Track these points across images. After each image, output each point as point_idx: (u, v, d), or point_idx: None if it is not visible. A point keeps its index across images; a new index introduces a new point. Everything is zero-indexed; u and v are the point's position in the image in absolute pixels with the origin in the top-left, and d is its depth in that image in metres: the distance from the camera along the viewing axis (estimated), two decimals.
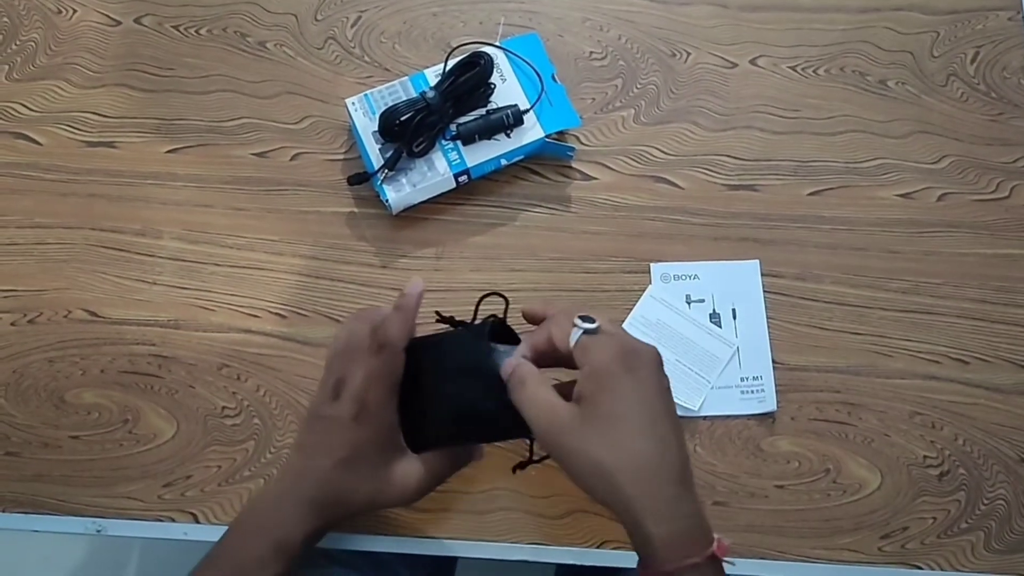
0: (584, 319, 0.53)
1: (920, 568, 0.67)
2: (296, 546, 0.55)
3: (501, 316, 0.60)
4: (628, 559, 0.67)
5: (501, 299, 0.60)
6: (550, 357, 0.55)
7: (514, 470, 0.60)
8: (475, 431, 0.58)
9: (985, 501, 0.68)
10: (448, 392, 0.56)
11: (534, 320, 0.60)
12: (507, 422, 0.55)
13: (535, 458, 0.59)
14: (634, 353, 0.52)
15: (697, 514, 0.50)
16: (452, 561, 0.90)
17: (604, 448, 0.49)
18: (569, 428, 0.50)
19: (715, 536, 0.49)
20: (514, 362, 0.54)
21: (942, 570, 0.67)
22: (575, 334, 0.52)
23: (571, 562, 0.67)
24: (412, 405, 0.58)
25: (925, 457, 0.69)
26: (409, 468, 0.56)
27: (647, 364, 0.52)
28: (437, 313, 0.62)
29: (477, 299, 0.60)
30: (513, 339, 0.59)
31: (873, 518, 0.68)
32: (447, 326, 0.62)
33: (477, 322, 0.60)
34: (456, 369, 0.56)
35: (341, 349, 0.57)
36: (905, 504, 0.68)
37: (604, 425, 0.49)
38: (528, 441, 0.59)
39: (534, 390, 0.52)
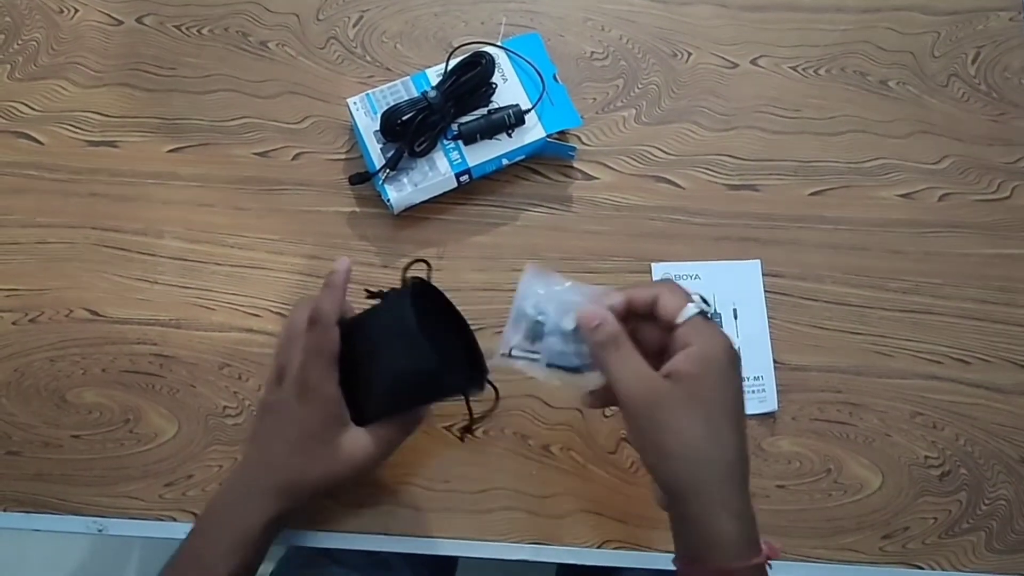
0: (702, 298, 0.51)
1: (921, 568, 0.67)
2: (257, 536, 0.56)
3: (424, 278, 0.62)
4: (629, 559, 0.67)
5: (425, 265, 0.66)
6: (629, 320, 0.53)
7: (462, 437, 0.60)
8: (409, 394, 0.59)
9: (986, 501, 0.68)
10: (378, 360, 0.58)
11: (619, 315, 0.53)
12: (437, 381, 0.57)
13: (475, 417, 0.60)
14: (735, 350, 0.51)
15: (754, 516, 0.50)
16: (453, 561, 0.90)
17: (700, 432, 0.48)
18: (667, 404, 0.49)
19: (762, 540, 0.50)
20: (601, 314, 0.52)
21: (943, 570, 0.67)
22: (691, 309, 0.50)
23: (572, 562, 0.67)
24: (352, 380, 0.58)
25: (926, 457, 0.69)
26: (355, 440, 0.57)
27: (740, 364, 0.51)
28: (366, 291, 0.64)
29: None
30: (441, 300, 0.63)
31: (874, 518, 0.68)
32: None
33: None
34: (384, 336, 0.58)
35: (283, 338, 0.58)
36: (906, 504, 0.68)
37: (704, 410, 0.48)
38: (465, 401, 0.60)
39: (629, 354, 0.51)
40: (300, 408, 0.56)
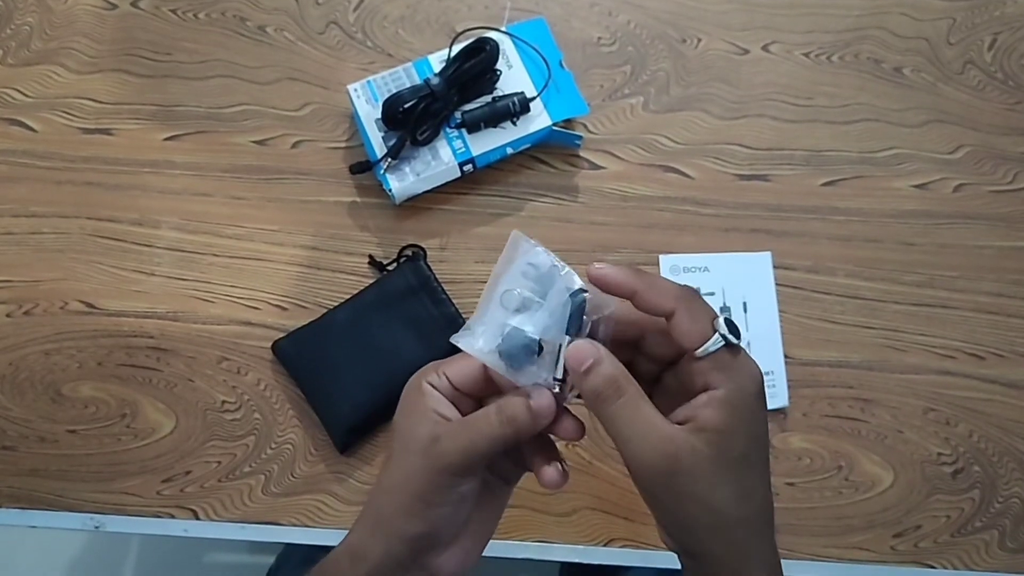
0: (729, 325, 0.42)
1: (933, 567, 0.66)
2: None
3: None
4: (635, 557, 0.66)
5: (420, 250, 0.71)
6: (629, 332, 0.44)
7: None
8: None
9: (1000, 499, 0.67)
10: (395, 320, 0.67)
11: (613, 290, 0.43)
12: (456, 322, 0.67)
13: None
14: (762, 381, 0.43)
15: (779, 559, 0.44)
16: None
17: (732, 496, 0.41)
18: (690, 467, 0.40)
19: None
20: (593, 352, 0.41)
21: (955, 569, 0.66)
22: (715, 342, 0.41)
23: (577, 560, 0.66)
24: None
25: (939, 454, 0.68)
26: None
27: (765, 393, 0.43)
28: (370, 256, 0.70)
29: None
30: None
31: (885, 516, 0.67)
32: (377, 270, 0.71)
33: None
34: (402, 293, 0.68)
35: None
36: (918, 502, 0.67)
37: (737, 469, 0.41)
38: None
39: (636, 406, 0.41)
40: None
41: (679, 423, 0.41)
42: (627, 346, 0.45)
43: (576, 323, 0.42)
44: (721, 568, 0.42)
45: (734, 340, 0.41)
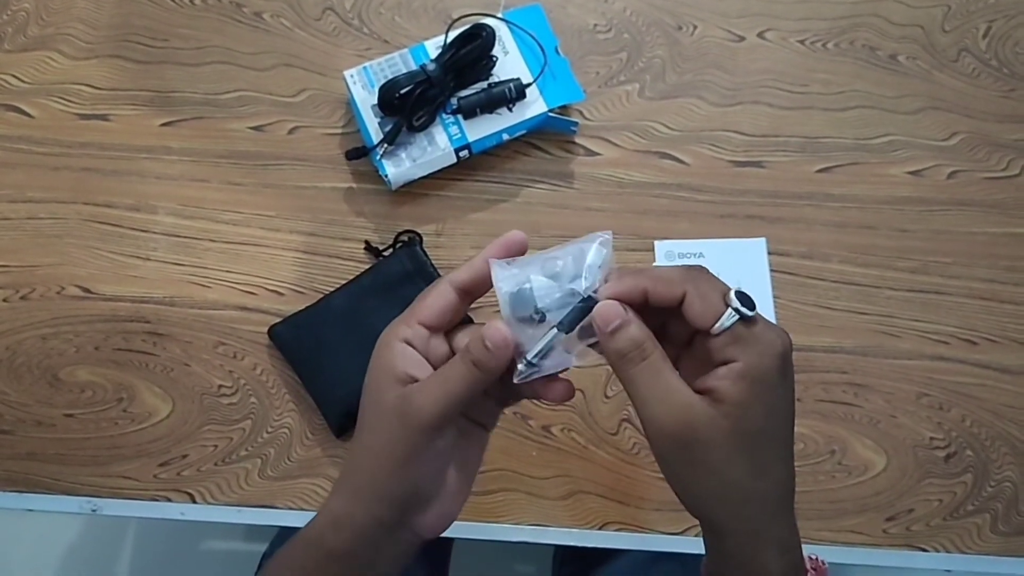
0: (741, 298, 0.41)
1: (925, 550, 0.66)
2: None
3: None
4: (629, 541, 0.66)
5: (416, 235, 0.71)
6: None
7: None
8: None
9: (992, 483, 0.67)
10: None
11: (629, 302, 0.43)
12: None
13: None
14: (789, 352, 0.42)
15: (799, 541, 0.44)
16: (448, 542, 0.89)
17: (746, 470, 0.41)
18: (706, 438, 0.40)
19: (807, 557, 0.46)
20: (621, 312, 0.42)
21: (947, 552, 0.66)
22: (728, 318, 0.40)
23: (572, 543, 0.66)
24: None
25: (932, 438, 0.68)
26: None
27: (792, 365, 0.42)
28: (366, 242, 0.70)
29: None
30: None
31: (878, 500, 0.67)
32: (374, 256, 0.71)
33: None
34: (398, 279, 0.68)
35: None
36: (911, 486, 0.67)
37: (753, 444, 0.41)
38: None
39: (658, 370, 0.41)
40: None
41: (700, 391, 0.41)
42: (659, 310, 0.44)
43: (573, 322, 0.43)
44: (733, 539, 0.43)
45: (748, 313, 0.40)
